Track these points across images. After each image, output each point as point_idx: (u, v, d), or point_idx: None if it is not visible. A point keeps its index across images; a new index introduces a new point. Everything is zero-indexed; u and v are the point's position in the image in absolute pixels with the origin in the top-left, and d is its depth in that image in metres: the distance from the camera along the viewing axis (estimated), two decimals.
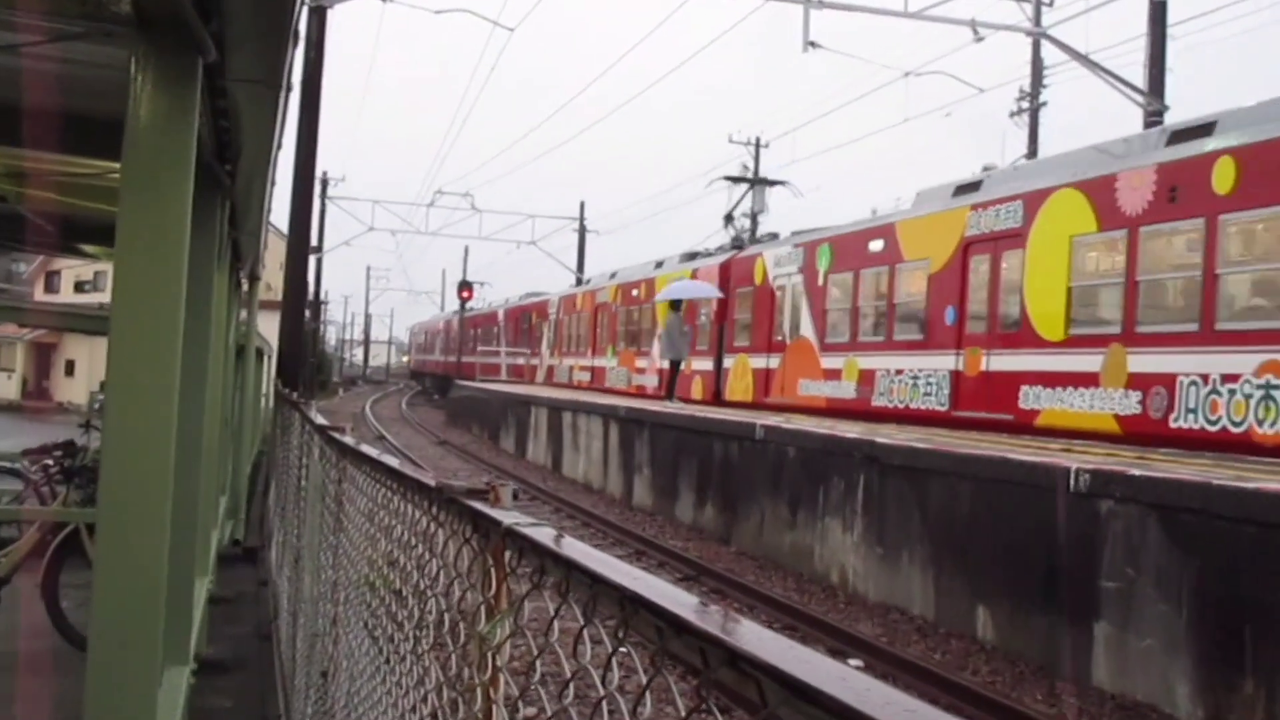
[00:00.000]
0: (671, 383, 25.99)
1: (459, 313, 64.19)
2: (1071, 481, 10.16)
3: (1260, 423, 12.97)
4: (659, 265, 35.19)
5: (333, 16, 19.89)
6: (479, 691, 2.05)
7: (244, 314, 14.38)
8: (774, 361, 25.47)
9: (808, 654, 1.06)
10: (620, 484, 22.88)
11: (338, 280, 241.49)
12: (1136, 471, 9.71)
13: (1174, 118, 22.39)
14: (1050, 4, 27.55)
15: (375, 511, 3.44)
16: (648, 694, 1.35)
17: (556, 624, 1.67)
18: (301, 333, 21.57)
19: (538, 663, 1.79)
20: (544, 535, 1.70)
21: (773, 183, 35.55)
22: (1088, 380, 15.64)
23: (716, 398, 28.12)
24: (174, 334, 3.37)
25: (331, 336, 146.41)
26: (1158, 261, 14.87)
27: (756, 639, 1.10)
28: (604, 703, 1.50)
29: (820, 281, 23.51)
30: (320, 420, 6.10)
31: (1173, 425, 14.11)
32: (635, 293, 36.14)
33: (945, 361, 19.03)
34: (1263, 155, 13.34)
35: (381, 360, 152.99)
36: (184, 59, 3.34)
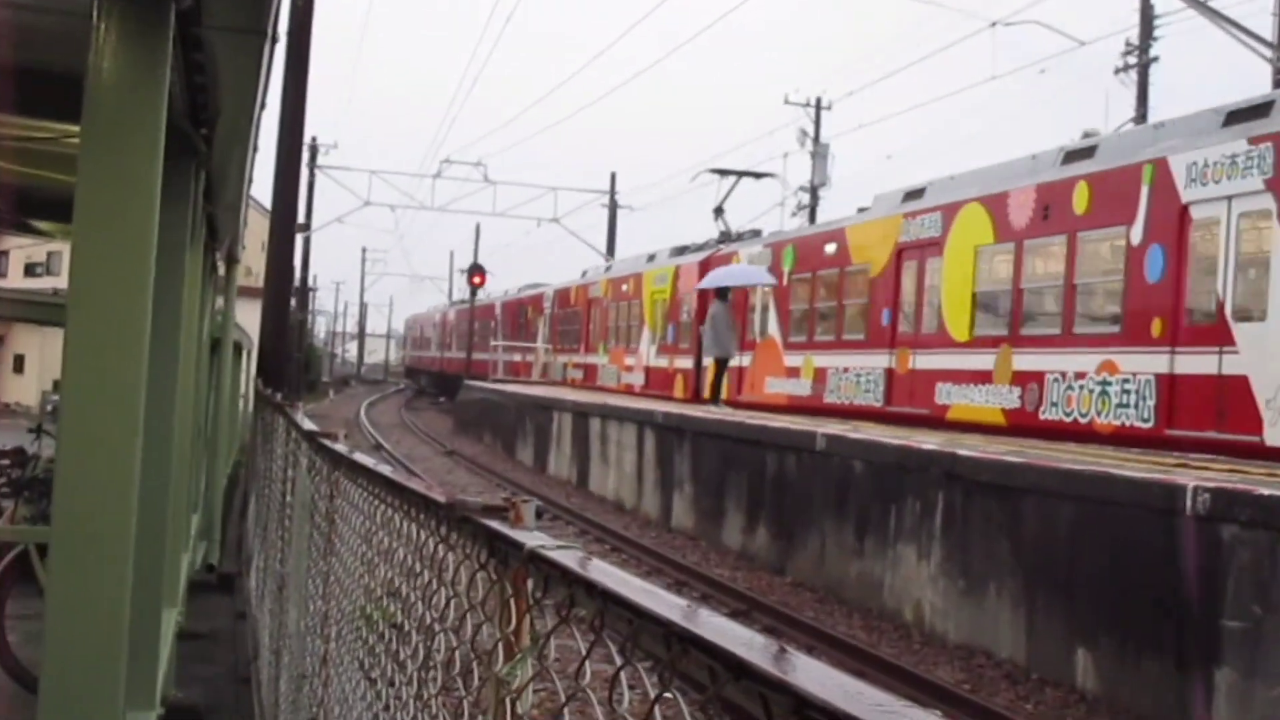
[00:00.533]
0: (717, 384, 25.89)
1: (457, 303, 64.98)
2: (1189, 502, 10.09)
3: (1099, 414, 17.29)
4: (651, 259, 39.17)
5: None
6: None
7: (221, 302, 14.48)
8: (746, 360, 29.38)
9: (891, 702, 1.04)
10: (657, 502, 22.90)
11: (329, 263, 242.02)
12: (1265, 491, 9.61)
13: None
14: None
15: (373, 532, 3.44)
16: None
17: (589, 665, 1.66)
18: (287, 324, 21.70)
19: (566, 711, 1.78)
20: (574, 560, 1.69)
21: (760, 175, 38.27)
22: (985, 378, 20.18)
23: (697, 395, 31.59)
24: (140, 325, 3.39)
25: (321, 329, 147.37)
26: (1036, 272, 19.59)
27: (833, 686, 1.08)
28: None
29: (785, 282, 27.74)
30: (309, 426, 6.12)
31: (1041, 417, 18.50)
32: (625, 287, 39.85)
33: (881, 360, 23.63)
34: (1108, 181, 17.71)
35: (379, 356, 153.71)
36: (154, 4, 3.35)
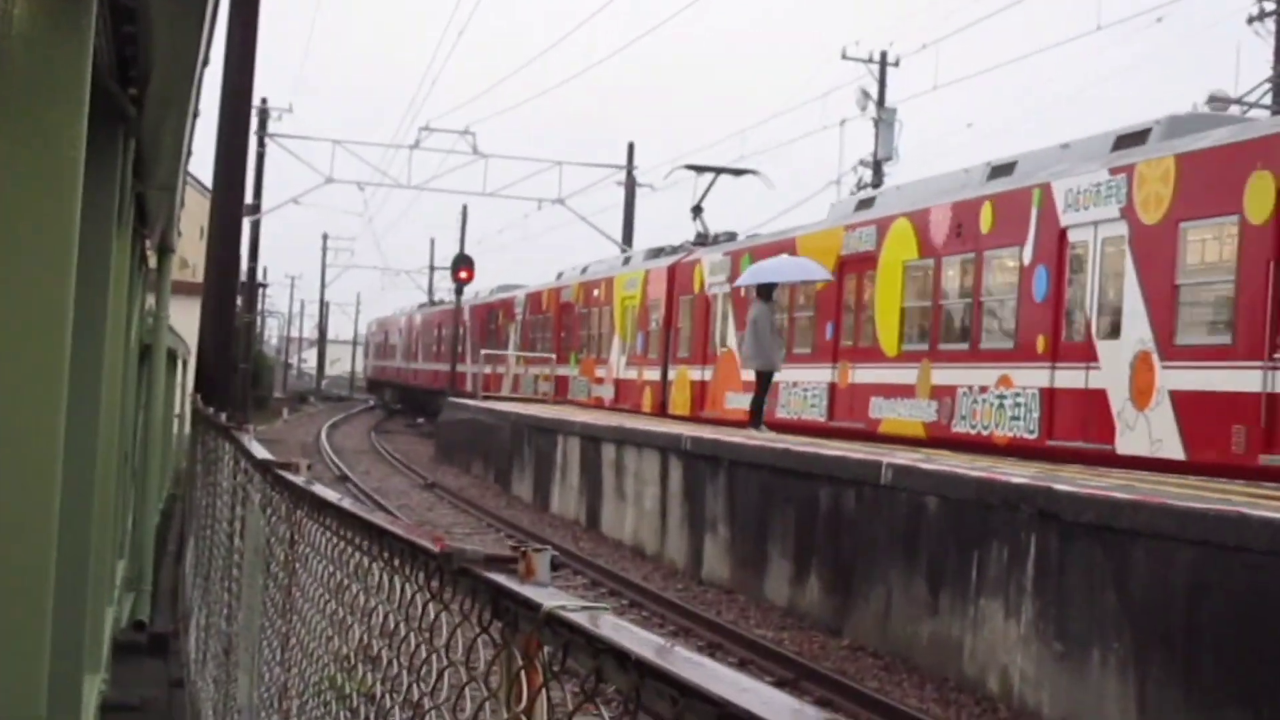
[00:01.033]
0: (759, 403, 25.20)
1: (424, 306, 66.12)
2: None
3: (998, 426, 21.62)
4: (626, 261, 44.06)
5: None
6: None
7: (152, 301, 14.51)
8: (708, 373, 33.83)
9: None
10: (685, 548, 22.88)
11: (282, 254, 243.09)
12: None
13: None
14: None
15: (344, 585, 3.42)
16: None
17: None
18: (232, 328, 21.75)
19: None
20: (606, 624, 1.67)
21: (739, 172, 41.19)
22: (909, 391, 24.53)
23: (663, 409, 35.97)
24: (59, 329, 3.37)
25: (273, 333, 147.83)
26: (951, 288, 23.90)
27: None
28: None
29: (743, 293, 30.20)
30: (262, 454, 6.11)
31: (953, 430, 22.80)
32: (596, 292, 43.83)
33: (824, 375, 28.07)
34: (1008, 203, 22.03)
35: (343, 366, 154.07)
36: None
